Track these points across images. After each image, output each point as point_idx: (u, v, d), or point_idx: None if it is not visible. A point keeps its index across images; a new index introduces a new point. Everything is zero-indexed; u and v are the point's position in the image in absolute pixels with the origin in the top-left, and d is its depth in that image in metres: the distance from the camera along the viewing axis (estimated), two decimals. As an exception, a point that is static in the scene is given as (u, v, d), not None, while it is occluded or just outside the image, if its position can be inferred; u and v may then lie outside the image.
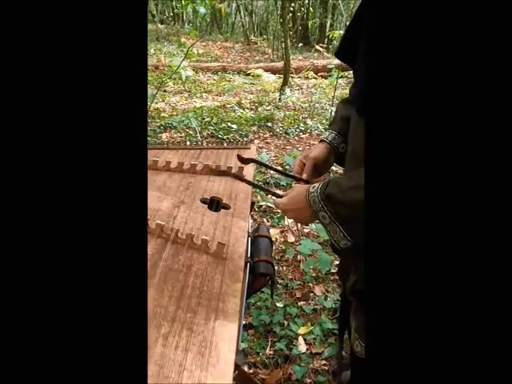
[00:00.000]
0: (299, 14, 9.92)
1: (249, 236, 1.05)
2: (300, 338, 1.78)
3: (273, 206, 2.86)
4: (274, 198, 1.00)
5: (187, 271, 0.79)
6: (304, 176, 1.07)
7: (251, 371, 1.64)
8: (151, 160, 1.16)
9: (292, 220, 2.65)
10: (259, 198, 2.92)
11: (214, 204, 1.05)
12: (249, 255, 0.99)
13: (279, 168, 3.43)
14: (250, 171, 1.21)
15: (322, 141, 1.11)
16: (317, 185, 0.89)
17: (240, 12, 12.62)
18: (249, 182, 1.05)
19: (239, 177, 1.09)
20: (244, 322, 1.84)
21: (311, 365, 1.67)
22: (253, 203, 1.18)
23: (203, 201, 1.05)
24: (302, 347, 1.75)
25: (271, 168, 1.14)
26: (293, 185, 1.03)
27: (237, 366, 0.67)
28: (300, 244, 2.04)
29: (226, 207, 1.05)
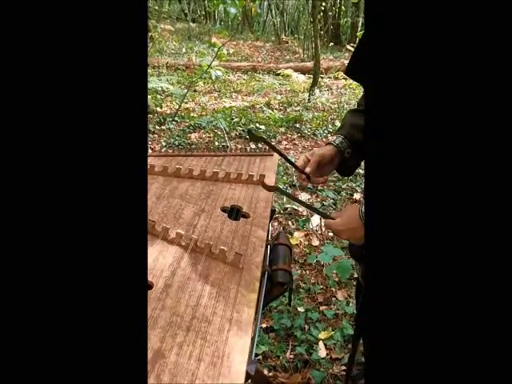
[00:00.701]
0: (330, 13, 9.82)
1: (268, 244, 1.07)
2: (320, 343, 1.79)
3: (298, 209, 2.86)
4: (325, 219, 1.01)
5: (204, 280, 0.82)
6: (307, 169, 1.07)
7: (271, 374, 1.66)
8: (174, 167, 1.19)
9: (318, 223, 2.65)
10: (285, 200, 2.93)
11: (234, 212, 1.07)
12: (267, 263, 1.01)
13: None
14: (271, 181, 1.23)
15: (329, 143, 1.11)
16: None
17: (271, 11, 12.61)
18: (300, 202, 1.08)
19: (291, 196, 1.12)
20: (265, 326, 1.86)
21: (330, 370, 1.67)
22: (273, 211, 1.20)
23: (223, 209, 1.07)
24: (322, 352, 1.75)
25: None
26: (346, 206, 1.04)
27: (249, 376, 0.69)
28: (322, 251, 2.04)
29: (246, 216, 1.07)
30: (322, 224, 2.63)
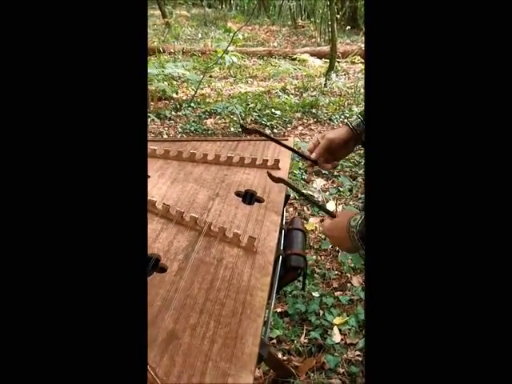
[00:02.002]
0: (348, -5, 9.62)
1: (282, 228, 1.07)
2: (335, 328, 1.79)
3: (314, 195, 2.85)
4: (326, 217, 0.97)
5: (218, 264, 0.82)
6: (313, 155, 1.03)
7: (285, 358, 1.67)
8: (189, 152, 1.19)
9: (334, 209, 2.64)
10: (300, 185, 2.91)
11: (248, 197, 1.07)
12: (282, 248, 1.01)
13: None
14: (285, 165, 1.22)
15: (346, 124, 1.07)
16: (358, 217, 0.83)
17: (288, -6, 12.40)
18: (304, 196, 1.06)
19: (298, 189, 1.09)
20: (279, 310, 1.87)
21: (345, 355, 1.68)
22: (288, 196, 1.19)
23: (238, 193, 1.07)
24: (337, 337, 1.75)
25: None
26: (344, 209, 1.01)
27: (261, 358, 0.70)
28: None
29: (260, 200, 1.07)
30: (337, 210, 2.62)
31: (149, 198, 0.96)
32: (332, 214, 0.94)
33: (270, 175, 0.97)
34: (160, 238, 0.87)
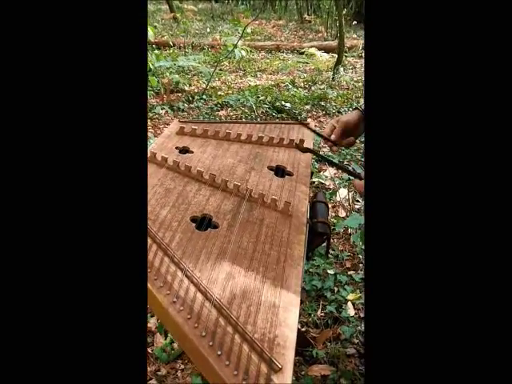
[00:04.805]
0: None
1: (308, 201, 1.19)
2: (349, 303, 1.91)
3: (325, 183, 2.97)
4: (353, 178, 1.09)
5: (260, 223, 0.95)
6: (332, 137, 1.14)
7: (303, 329, 1.80)
8: (225, 132, 1.32)
9: (345, 196, 2.75)
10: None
11: (280, 171, 1.20)
12: (308, 217, 1.14)
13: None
14: (309, 146, 1.34)
15: (356, 108, 1.19)
16: None
17: (294, -11, 12.47)
18: (331, 163, 1.18)
19: (324, 157, 1.21)
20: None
21: (359, 327, 1.80)
22: (312, 172, 1.32)
23: (270, 168, 1.20)
24: (351, 311, 1.88)
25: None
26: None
27: (301, 301, 0.83)
28: (348, 217, 2.15)
29: (290, 174, 1.19)
30: (349, 197, 2.74)
31: (197, 168, 1.09)
32: (360, 177, 1.05)
33: (297, 146, 1.09)
34: (210, 201, 1.01)
